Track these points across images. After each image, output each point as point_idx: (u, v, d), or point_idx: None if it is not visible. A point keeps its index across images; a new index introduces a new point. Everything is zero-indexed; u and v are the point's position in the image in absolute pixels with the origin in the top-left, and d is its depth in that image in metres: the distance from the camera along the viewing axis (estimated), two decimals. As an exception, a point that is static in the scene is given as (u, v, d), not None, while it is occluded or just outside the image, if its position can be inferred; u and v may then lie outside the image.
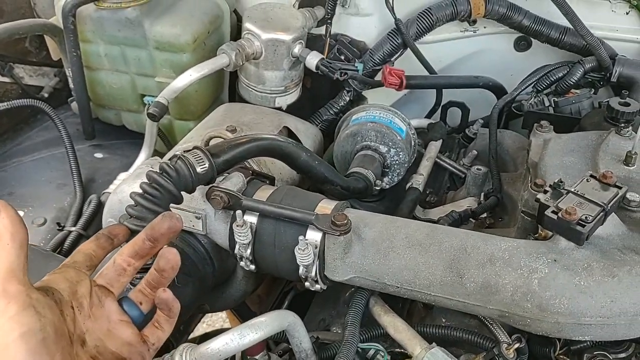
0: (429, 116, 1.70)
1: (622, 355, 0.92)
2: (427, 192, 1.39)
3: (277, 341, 1.08)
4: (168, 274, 0.72)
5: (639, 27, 1.59)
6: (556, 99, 1.50)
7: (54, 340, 0.57)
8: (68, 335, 0.61)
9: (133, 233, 0.80)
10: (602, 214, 0.84)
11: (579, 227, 0.82)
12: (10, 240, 0.57)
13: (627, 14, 1.59)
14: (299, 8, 1.61)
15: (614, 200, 0.87)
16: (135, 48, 1.49)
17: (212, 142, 1.12)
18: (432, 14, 1.56)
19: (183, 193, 0.88)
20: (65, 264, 0.68)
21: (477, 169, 1.32)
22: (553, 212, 0.85)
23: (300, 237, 0.87)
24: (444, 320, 1.00)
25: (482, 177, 1.32)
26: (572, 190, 0.88)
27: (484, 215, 1.24)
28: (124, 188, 1.05)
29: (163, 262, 0.71)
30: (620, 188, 0.89)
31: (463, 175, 1.41)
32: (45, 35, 1.65)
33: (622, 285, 0.79)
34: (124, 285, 0.72)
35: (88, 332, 0.65)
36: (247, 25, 1.45)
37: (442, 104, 1.66)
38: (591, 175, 0.92)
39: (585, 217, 0.83)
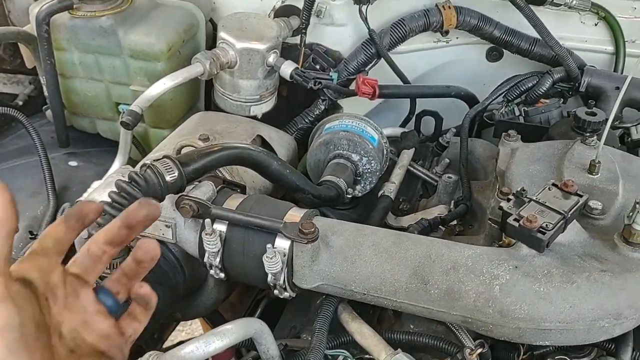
0: (403, 125, 1.72)
1: (585, 359, 0.94)
2: (400, 200, 1.41)
3: (249, 348, 1.09)
4: (146, 265, 0.67)
5: (607, 38, 1.63)
6: (526, 109, 1.53)
7: (34, 336, 0.54)
8: (48, 329, 0.58)
9: (106, 214, 0.78)
10: (562, 221, 0.87)
11: (539, 235, 0.84)
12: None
13: (595, 25, 1.63)
14: (274, 18, 1.62)
15: (575, 208, 0.89)
16: (109, 56, 1.49)
17: (183, 151, 1.13)
18: (405, 25, 1.58)
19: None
20: (34, 250, 0.62)
21: (448, 177, 1.34)
22: (515, 219, 0.87)
23: (269, 245, 0.88)
24: (412, 326, 1.02)
25: (453, 185, 1.34)
26: (534, 198, 0.90)
27: (454, 222, 1.26)
28: (95, 196, 1.06)
29: (141, 253, 0.66)
30: (581, 196, 0.92)
31: (435, 183, 1.43)
32: (19, 43, 1.65)
33: (581, 291, 0.82)
34: (99, 274, 0.67)
35: (64, 324, 0.61)
36: (222, 34, 1.46)
37: (416, 113, 1.69)
38: (553, 184, 0.94)
39: (546, 225, 0.85)
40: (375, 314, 1.12)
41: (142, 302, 0.67)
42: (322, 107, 1.62)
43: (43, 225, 1.36)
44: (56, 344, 0.59)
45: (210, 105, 1.65)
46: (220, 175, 1.11)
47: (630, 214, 0.87)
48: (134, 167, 1.19)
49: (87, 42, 1.48)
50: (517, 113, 1.54)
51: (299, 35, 1.60)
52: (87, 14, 1.44)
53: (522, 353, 0.93)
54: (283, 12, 1.64)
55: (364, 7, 1.54)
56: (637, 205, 0.86)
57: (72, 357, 0.60)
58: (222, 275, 0.97)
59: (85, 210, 0.67)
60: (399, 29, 1.58)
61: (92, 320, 0.64)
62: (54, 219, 1.39)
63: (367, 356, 0.97)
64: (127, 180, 0.88)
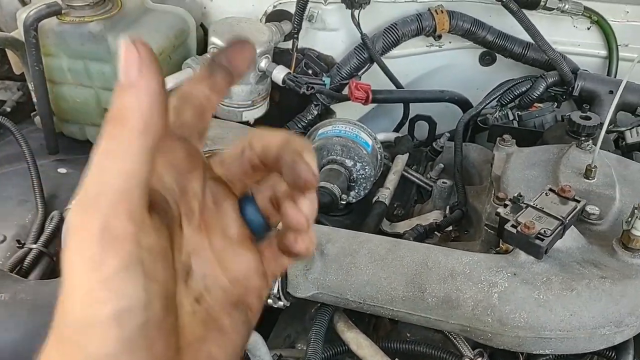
0: (397, 130, 1.71)
1: (585, 367, 0.93)
2: (395, 206, 1.39)
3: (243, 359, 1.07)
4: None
5: (600, 42, 1.62)
6: (520, 113, 1.52)
7: (159, 321, 0.33)
8: (175, 294, 0.36)
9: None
10: (560, 227, 0.85)
11: (537, 241, 0.83)
12: (140, 134, 0.31)
13: (588, 29, 1.62)
14: (265, 22, 1.61)
15: (573, 213, 0.88)
16: (99, 62, 1.47)
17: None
18: (397, 29, 1.57)
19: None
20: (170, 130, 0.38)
21: (443, 182, 1.33)
22: (512, 226, 0.86)
23: (262, 254, 0.86)
24: (408, 334, 1.00)
25: (448, 190, 1.33)
26: (532, 204, 0.89)
27: (450, 228, 1.25)
28: (84, 205, 1.03)
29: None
30: (578, 202, 0.91)
31: (430, 189, 1.42)
32: (7, 49, 1.62)
33: (581, 299, 0.80)
34: (247, 187, 0.43)
35: (195, 255, 0.39)
36: (213, 39, 1.44)
37: (409, 118, 1.68)
38: (550, 189, 0.93)
39: (544, 231, 0.84)
40: (371, 322, 1.10)
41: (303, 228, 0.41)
42: (315, 113, 1.60)
43: (31, 234, 1.34)
44: (182, 292, 0.37)
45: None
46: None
47: (629, 219, 0.86)
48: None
49: (76, 47, 1.45)
50: (511, 117, 1.53)
51: (291, 40, 1.59)
52: (75, 19, 1.42)
53: (521, 361, 0.92)
54: (275, 16, 1.62)
55: (356, 12, 1.53)
56: (636, 211, 0.85)
57: (196, 312, 0.38)
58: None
59: (238, 57, 0.39)
60: (391, 33, 1.57)
61: (234, 250, 0.41)
62: (42, 227, 1.37)
63: (363, 366, 0.95)
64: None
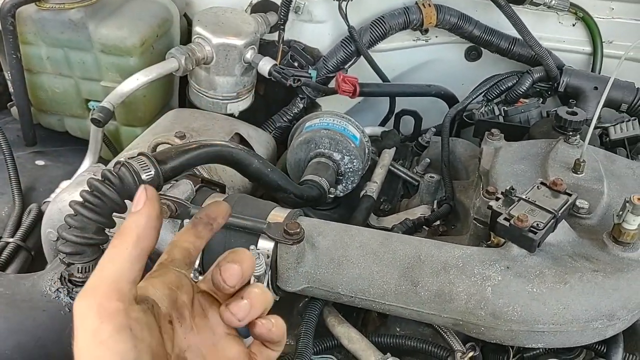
0: (382, 124, 1.70)
1: (575, 361, 0.92)
2: (381, 200, 1.38)
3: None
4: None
5: (585, 38, 1.63)
6: (506, 108, 1.52)
7: None
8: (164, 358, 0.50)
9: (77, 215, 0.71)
10: (553, 220, 0.85)
11: (530, 234, 0.82)
12: (132, 244, 0.47)
13: (573, 25, 1.63)
14: (251, 13, 1.58)
15: (565, 207, 0.88)
16: (79, 51, 1.43)
17: (159, 149, 1.08)
18: (385, 22, 1.56)
19: (127, 202, 0.84)
20: (162, 263, 0.55)
21: (430, 176, 1.32)
22: (505, 219, 0.85)
23: (252, 247, 0.84)
24: (398, 329, 0.99)
25: (435, 185, 1.32)
26: (524, 197, 0.89)
27: (437, 222, 1.24)
28: (65, 196, 1.00)
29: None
30: (570, 195, 0.90)
31: (416, 183, 1.41)
32: (-18, 37, 1.57)
33: (574, 292, 0.80)
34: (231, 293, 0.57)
35: (189, 350, 0.52)
36: (198, 29, 1.41)
37: (395, 112, 1.67)
38: (542, 183, 0.92)
39: (537, 224, 0.83)
40: (360, 317, 1.09)
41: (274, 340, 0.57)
42: (301, 106, 1.59)
43: (8, 227, 1.29)
44: None
45: (185, 102, 1.60)
46: (198, 174, 1.06)
47: (620, 213, 0.86)
48: (105, 166, 1.13)
49: (55, 35, 1.41)
50: (496, 112, 1.53)
51: (277, 32, 1.57)
52: (55, 6, 1.38)
53: (512, 356, 0.91)
54: (260, 7, 1.60)
55: (343, 4, 1.51)
56: (627, 204, 0.85)
57: None
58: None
59: (214, 213, 0.58)
60: (379, 26, 1.56)
61: (221, 344, 0.54)
62: (19, 221, 1.32)
63: (352, 361, 0.94)
64: (100, 178, 0.83)
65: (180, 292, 0.53)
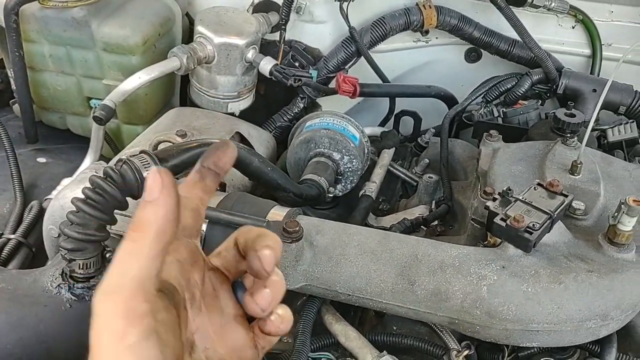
0: (382, 125, 1.71)
1: (569, 360, 0.94)
2: (380, 200, 1.39)
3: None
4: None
5: (584, 40, 1.64)
6: (505, 110, 1.53)
7: None
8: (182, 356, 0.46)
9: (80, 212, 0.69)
10: (549, 221, 0.86)
11: (526, 235, 0.83)
12: (153, 239, 0.42)
13: (573, 28, 1.64)
14: (252, 13, 1.59)
15: (561, 208, 0.89)
16: (81, 49, 1.44)
17: (160, 147, 1.09)
18: (385, 23, 1.57)
19: (129, 199, 0.85)
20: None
21: (429, 177, 1.33)
22: (502, 219, 0.86)
23: (251, 245, 0.85)
24: (395, 327, 1.00)
25: (434, 185, 1.33)
26: (520, 198, 0.90)
27: (435, 222, 1.25)
28: (66, 193, 1.01)
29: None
30: (566, 196, 0.91)
31: (415, 183, 1.42)
32: (-15, 34, 1.58)
33: (568, 292, 0.81)
34: (242, 273, 0.54)
35: (198, 332, 0.49)
36: (200, 28, 1.42)
37: (395, 113, 1.68)
38: (538, 184, 0.93)
39: (533, 225, 0.84)
40: (357, 315, 1.10)
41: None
42: (301, 105, 1.60)
43: (9, 224, 1.30)
44: None
45: (186, 101, 1.61)
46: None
47: (615, 214, 0.87)
48: (106, 164, 1.14)
49: (58, 33, 1.42)
50: (495, 114, 1.54)
51: (278, 32, 1.58)
52: (58, 4, 1.39)
53: (506, 355, 0.92)
54: (262, 7, 1.61)
55: (345, 4, 1.52)
56: (622, 206, 0.86)
57: None
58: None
59: (222, 159, 0.51)
60: (379, 27, 1.57)
61: (229, 327, 0.51)
62: (20, 217, 1.33)
63: (349, 359, 0.95)
64: (102, 176, 0.84)
65: (193, 269, 0.50)
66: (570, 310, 0.80)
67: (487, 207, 0.91)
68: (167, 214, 0.43)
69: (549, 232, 0.87)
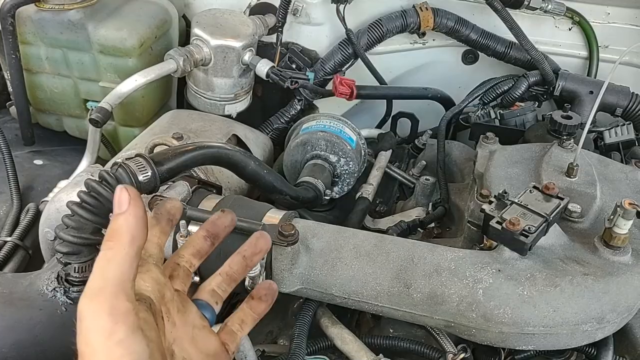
0: (379, 126, 1.71)
1: (565, 363, 0.94)
2: (377, 202, 1.39)
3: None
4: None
5: (581, 42, 1.65)
6: (502, 112, 1.53)
7: None
8: (165, 356, 0.53)
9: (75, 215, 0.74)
10: (544, 224, 0.86)
11: (522, 238, 0.83)
12: (128, 244, 0.49)
13: (569, 29, 1.64)
14: (249, 15, 1.59)
15: (556, 211, 0.89)
16: (78, 51, 1.44)
17: (156, 150, 1.09)
18: (382, 25, 1.57)
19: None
20: (142, 259, 0.57)
21: (426, 179, 1.33)
22: (497, 222, 0.86)
23: (246, 248, 0.85)
24: (391, 330, 0.99)
25: (431, 187, 1.33)
26: (516, 201, 0.90)
27: (432, 225, 1.25)
28: (62, 196, 1.01)
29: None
30: (562, 199, 0.91)
31: (412, 185, 1.42)
32: (-19, 36, 1.58)
33: (564, 295, 0.81)
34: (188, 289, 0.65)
35: (175, 343, 0.56)
36: (196, 30, 1.42)
37: (392, 115, 1.68)
38: (534, 187, 0.93)
39: (529, 228, 0.84)
40: (354, 318, 1.10)
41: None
42: (298, 107, 1.59)
43: (6, 226, 1.30)
44: None
45: (183, 103, 1.61)
46: (195, 175, 1.07)
47: (611, 217, 0.87)
48: (102, 166, 1.14)
49: (54, 36, 1.42)
50: (492, 116, 1.54)
51: (275, 34, 1.58)
52: (55, 6, 1.39)
53: (503, 357, 0.92)
54: (259, 9, 1.61)
55: (341, 7, 1.52)
56: (618, 209, 0.86)
57: None
58: (197, 278, 0.93)
59: (173, 209, 0.64)
60: (376, 29, 1.57)
61: (200, 336, 0.60)
62: (17, 220, 1.33)
63: (346, 362, 0.95)
64: (97, 179, 0.84)
65: (165, 288, 0.57)
66: (566, 313, 0.80)
67: (482, 210, 0.91)
68: (137, 221, 0.49)
69: (544, 235, 0.87)
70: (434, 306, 0.83)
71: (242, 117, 1.54)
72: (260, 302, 0.67)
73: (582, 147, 1.16)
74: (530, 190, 0.93)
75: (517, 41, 1.53)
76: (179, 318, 0.57)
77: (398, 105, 1.68)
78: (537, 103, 1.57)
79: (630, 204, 0.86)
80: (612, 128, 1.47)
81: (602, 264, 0.87)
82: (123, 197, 0.49)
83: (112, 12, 1.44)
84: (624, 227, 0.87)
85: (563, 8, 1.56)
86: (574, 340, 0.82)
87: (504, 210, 0.88)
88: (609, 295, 0.82)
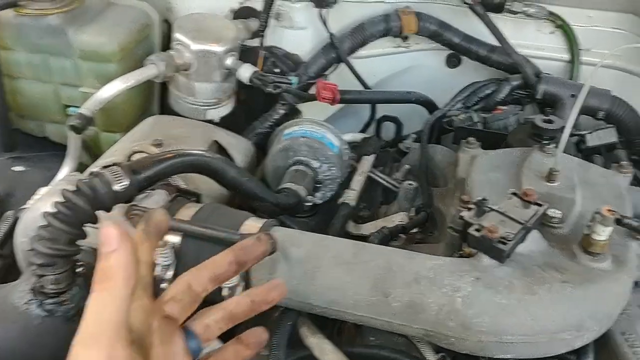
0: (363, 130, 1.71)
1: (546, 371, 0.93)
2: (361, 207, 1.39)
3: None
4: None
5: (563, 46, 1.65)
6: (485, 115, 1.53)
7: None
8: None
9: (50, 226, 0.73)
10: (522, 231, 0.86)
11: (500, 245, 0.83)
12: (123, 286, 0.47)
13: (552, 33, 1.65)
14: (232, 19, 1.58)
15: (535, 217, 0.89)
16: (58, 57, 1.43)
17: (135, 157, 1.08)
18: (365, 29, 1.57)
19: (100, 212, 0.84)
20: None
21: (409, 184, 1.33)
22: (476, 230, 0.86)
23: (224, 258, 0.84)
24: (372, 339, 0.99)
25: (413, 192, 1.33)
26: (495, 208, 0.89)
27: (415, 230, 1.25)
28: (39, 205, 1.00)
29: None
30: (540, 206, 0.91)
31: (396, 190, 1.41)
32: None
33: (543, 303, 0.81)
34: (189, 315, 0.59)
35: None
36: (177, 35, 1.41)
37: (376, 118, 1.68)
38: (513, 193, 0.93)
39: (507, 235, 0.84)
40: (336, 326, 1.09)
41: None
42: (282, 112, 1.58)
43: (-16, 235, 1.28)
44: None
45: (165, 108, 1.60)
46: (174, 183, 1.06)
47: (590, 224, 0.88)
48: (84, 172, 1.13)
49: (34, 41, 1.41)
50: (475, 120, 1.54)
51: (258, 38, 1.57)
52: (34, 11, 1.38)
53: (483, 365, 0.92)
54: (241, 13, 1.60)
55: (324, 11, 1.52)
56: (596, 216, 0.86)
57: None
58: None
59: (161, 224, 0.58)
60: (359, 33, 1.57)
61: None
62: (-4, 227, 1.31)
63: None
64: (73, 189, 0.83)
65: (152, 316, 0.53)
66: (544, 321, 0.80)
67: (461, 217, 0.90)
68: (128, 258, 0.47)
69: (522, 242, 0.87)
70: (413, 315, 0.83)
71: (225, 121, 1.53)
72: (246, 349, 0.62)
73: (563, 152, 1.17)
74: (509, 197, 0.93)
75: (499, 45, 1.53)
76: (161, 350, 0.53)
77: (383, 109, 1.68)
78: (519, 106, 1.57)
79: (608, 210, 0.86)
80: (594, 131, 1.48)
81: (581, 271, 0.87)
82: (112, 234, 0.47)
83: (92, 17, 1.43)
84: (602, 233, 0.87)
85: (545, 12, 1.56)
86: (553, 349, 0.82)
87: (482, 218, 0.88)
88: (587, 303, 0.82)
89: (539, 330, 0.80)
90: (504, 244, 0.83)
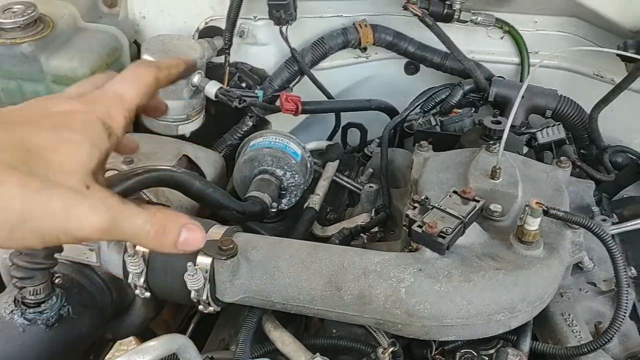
0: (330, 138, 1.80)
1: (491, 351, 1.02)
2: (327, 210, 1.47)
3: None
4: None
5: (512, 50, 1.75)
6: (442, 119, 1.62)
7: None
8: None
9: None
10: (460, 226, 0.94)
11: (439, 239, 0.92)
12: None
13: (501, 38, 1.75)
14: (198, 38, 1.66)
15: (472, 212, 0.97)
16: (32, 82, 1.49)
17: (107, 175, 1.15)
18: (325, 43, 1.66)
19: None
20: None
21: (370, 186, 1.42)
22: (418, 226, 0.95)
23: (189, 264, 0.92)
24: (334, 330, 1.07)
25: (375, 194, 1.41)
26: (437, 205, 0.98)
27: (375, 229, 1.34)
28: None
29: None
30: (478, 202, 1.00)
31: (360, 192, 1.50)
32: (-62, 70, 1.62)
33: (477, 288, 0.89)
34: None
35: None
36: (146, 56, 1.49)
37: (342, 126, 1.76)
38: (454, 191, 1.02)
39: (446, 230, 0.93)
40: (302, 322, 1.17)
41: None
42: (250, 124, 1.67)
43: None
44: None
45: (139, 126, 1.67)
46: (144, 196, 1.14)
47: (522, 215, 0.96)
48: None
49: (8, 68, 1.47)
50: (433, 123, 1.63)
51: (224, 55, 1.65)
52: (7, 41, 1.44)
53: (434, 349, 1.01)
54: (207, 33, 1.68)
55: (284, 28, 1.60)
56: (527, 208, 0.95)
57: None
58: (147, 294, 1.00)
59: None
60: (319, 47, 1.66)
61: None
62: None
63: (287, 363, 1.02)
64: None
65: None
66: (479, 305, 0.88)
67: (407, 215, 0.99)
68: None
69: (462, 235, 0.96)
70: (363, 306, 0.91)
71: (197, 135, 1.60)
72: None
73: (512, 150, 1.26)
74: (449, 195, 1.01)
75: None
76: None
77: (349, 117, 1.77)
78: (474, 109, 1.66)
79: (537, 203, 0.95)
80: (543, 129, 1.58)
81: (515, 259, 0.96)
82: None
83: (63, 43, 1.50)
84: (532, 224, 0.96)
85: (492, 19, 1.66)
86: (489, 330, 0.91)
87: (425, 215, 0.97)
88: (518, 287, 0.91)
89: (475, 313, 0.88)
90: (443, 237, 0.92)
